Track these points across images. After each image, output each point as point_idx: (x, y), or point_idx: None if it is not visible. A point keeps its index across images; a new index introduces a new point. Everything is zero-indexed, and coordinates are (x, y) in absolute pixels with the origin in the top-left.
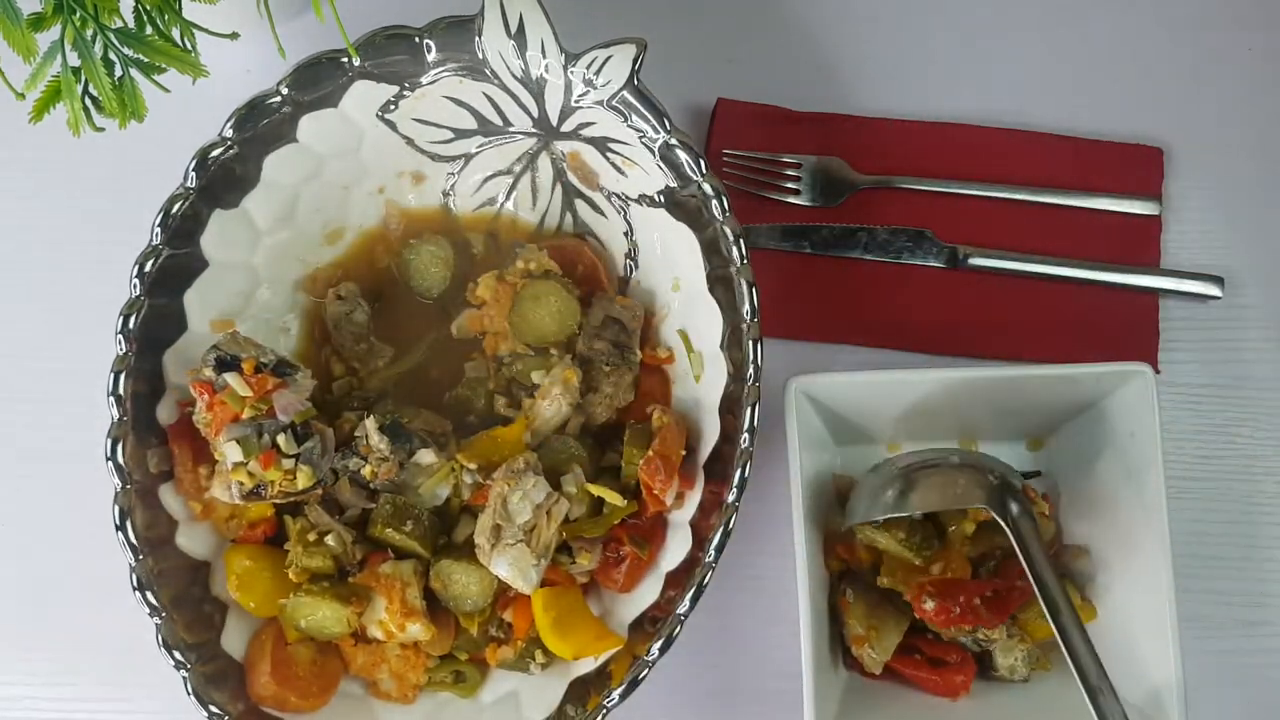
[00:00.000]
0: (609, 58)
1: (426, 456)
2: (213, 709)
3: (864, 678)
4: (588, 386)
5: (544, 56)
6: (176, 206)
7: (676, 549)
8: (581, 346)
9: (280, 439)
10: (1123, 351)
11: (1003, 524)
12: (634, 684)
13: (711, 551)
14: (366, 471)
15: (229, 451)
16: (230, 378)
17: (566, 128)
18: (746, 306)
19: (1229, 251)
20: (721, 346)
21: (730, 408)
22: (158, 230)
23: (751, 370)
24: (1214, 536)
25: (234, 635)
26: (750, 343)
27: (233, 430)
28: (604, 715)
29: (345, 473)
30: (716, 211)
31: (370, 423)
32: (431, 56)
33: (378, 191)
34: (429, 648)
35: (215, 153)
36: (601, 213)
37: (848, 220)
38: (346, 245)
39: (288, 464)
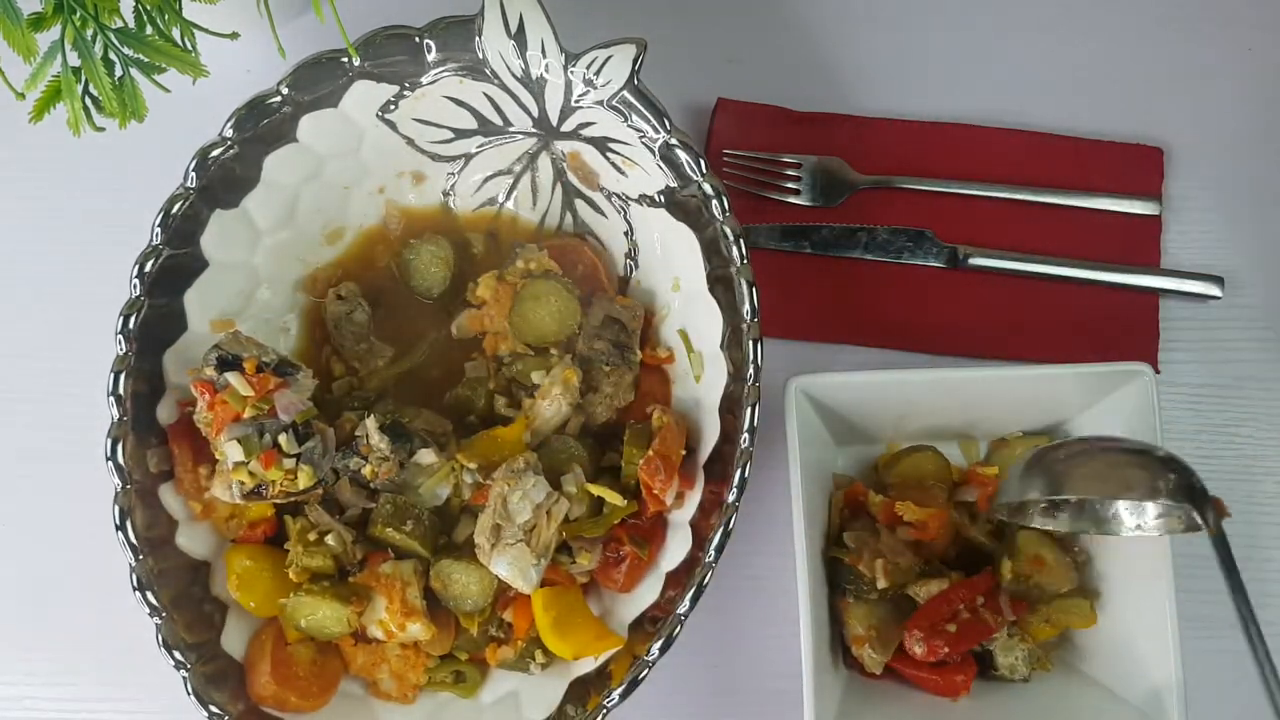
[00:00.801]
0: (609, 58)
1: (427, 456)
2: (213, 709)
3: (864, 677)
4: (588, 386)
5: (544, 56)
6: (176, 206)
7: (676, 549)
8: (581, 346)
9: (281, 439)
10: (1123, 351)
11: (1205, 528)
12: (634, 684)
13: (711, 551)
14: (367, 471)
15: (230, 451)
16: (232, 377)
17: (566, 128)
18: (746, 306)
19: (1229, 251)
20: (721, 346)
21: (730, 408)
22: (158, 230)
23: (751, 370)
24: None
25: (234, 635)
26: (750, 343)
27: (234, 430)
28: (604, 715)
29: (345, 472)
30: (716, 211)
31: (371, 422)
32: (431, 56)
33: (378, 191)
34: (429, 648)
35: (215, 153)
36: (601, 213)
37: (848, 220)
38: (346, 245)
39: (289, 464)
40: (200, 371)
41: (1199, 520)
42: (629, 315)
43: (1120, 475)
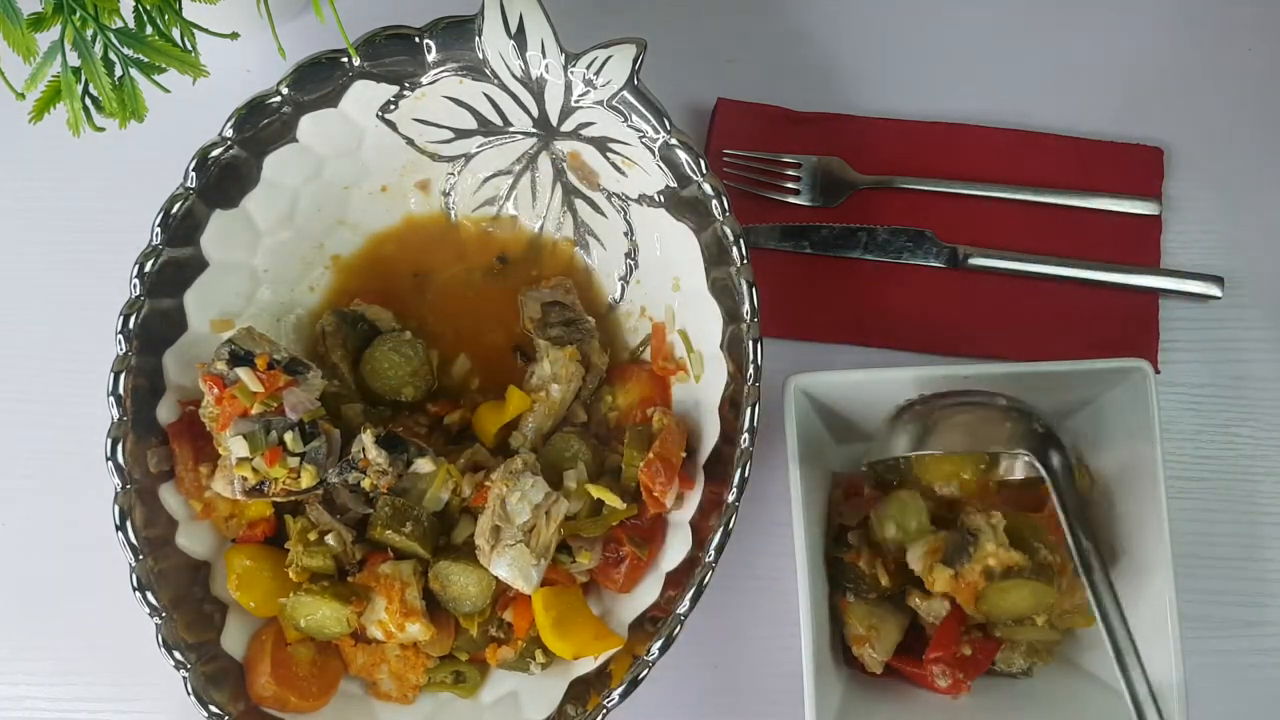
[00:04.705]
0: (609, 58)
1: (424, 465)
2: (213, 709)
3: (864, 676)
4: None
5: (544, 56)
6: (176, 206)
7: (676, 549)
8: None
9: (287, 436)
10: (1123, 351)
11: (1043, 473)
12: (634, 684)
13: (711, 551)
14: (366, 484)
15: (235, 446)
16: (242, 372)
17: (566, 128)
18: (746, 306)
19: (1229, 251)
20: (721, 346)
21: (730, 408)
22: (158, 230)
23: (751, 370)
24: (1214, 536)
25: (234, 635)
26: (750, 343)
27: (240, 425)
28: (604, 715)
29: (345, 486)
30: (716, 211)
31: (368, 437)
32: (431, 56)
33: (379, 191)
34: (428, 648)
35: (215, 153)
36: (601, 213)
37: (848, 220)
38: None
39: (292, 462)
40: (211, 365)
41: (1053, 466)
42: (561, 291)
43: (992, 431)
